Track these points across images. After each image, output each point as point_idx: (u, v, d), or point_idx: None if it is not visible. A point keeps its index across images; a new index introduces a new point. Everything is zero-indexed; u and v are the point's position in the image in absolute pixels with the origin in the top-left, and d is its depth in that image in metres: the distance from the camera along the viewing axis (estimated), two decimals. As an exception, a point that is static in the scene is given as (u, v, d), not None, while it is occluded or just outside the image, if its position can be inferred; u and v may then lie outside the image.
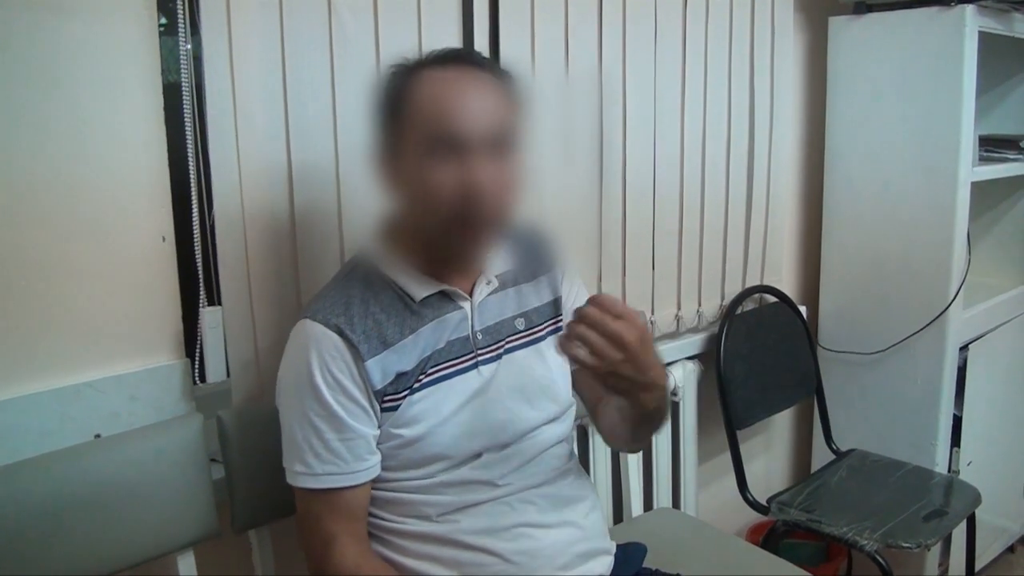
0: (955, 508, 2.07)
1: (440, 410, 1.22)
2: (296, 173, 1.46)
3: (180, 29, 1.38)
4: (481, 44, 1.67)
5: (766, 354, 2.30)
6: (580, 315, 1.06)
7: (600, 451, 2.00)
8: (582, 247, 1.93)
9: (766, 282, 2.39)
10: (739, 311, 2.27)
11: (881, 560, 1.90)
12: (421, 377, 1.21)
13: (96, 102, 1.29)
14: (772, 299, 2.40)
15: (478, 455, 1.24)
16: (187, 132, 1.40)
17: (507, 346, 1.30)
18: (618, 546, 1.42)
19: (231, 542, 1.44)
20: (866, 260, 2.43)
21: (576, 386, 1.42)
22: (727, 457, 2.19)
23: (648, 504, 2.14)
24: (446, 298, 1.26)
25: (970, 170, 2.24)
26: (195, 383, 1.48)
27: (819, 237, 2.55)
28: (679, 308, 2.19)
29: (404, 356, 1.20)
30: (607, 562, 1.35)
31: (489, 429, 1.25)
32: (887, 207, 2.36)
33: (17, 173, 1.24)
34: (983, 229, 2.73)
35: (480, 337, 1.28)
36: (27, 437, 1.27)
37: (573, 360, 1.07)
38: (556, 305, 1.40)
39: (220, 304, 1.43)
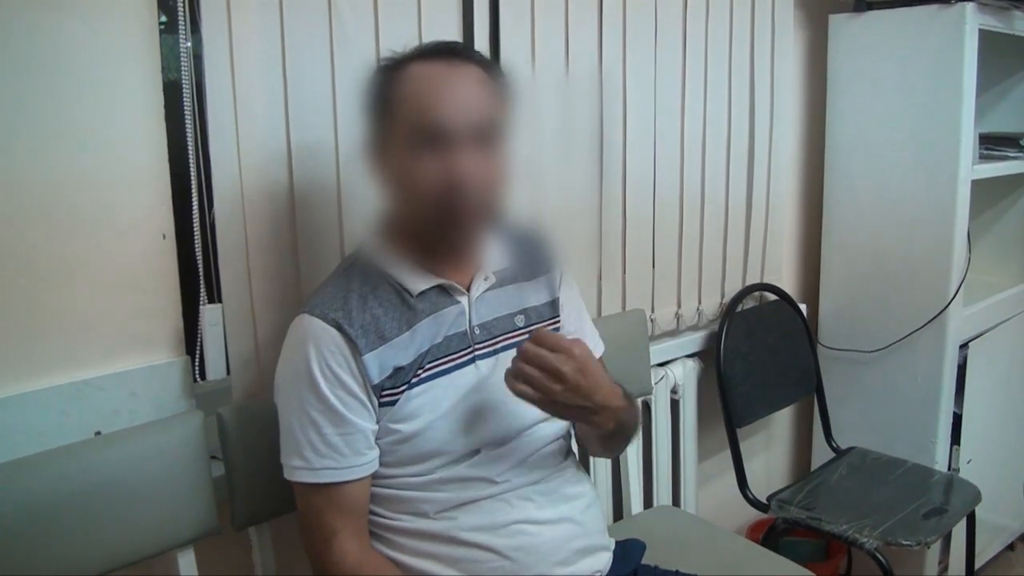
0: (955, 506, 2.07)
1: (438, 405, 1.22)
2: (296, 170, 1.46)
3: (180, 27, 1.38)
4: (481, 42, 1.67)
5: (766, 352, 2.30)
6: (519, 352, 1.13)
7: (600, 449, 2.00)
8: (582, 245, 1.93)
9: (766, 280, 2.39)
10: (739, 309, 2.27)
11: (881, 558, 1.90)
12: (419, 372, 1.22)
13: (96, 100, 1.29)
14: (772, 297, 2.40)
15: (476, 452, 1.24)
16: (187, 130, 1.40)
17: (505, 342, 1.31)
18: (617, 543, 1.42)
19: (231, 539, 1.44)
20: (866, 258, 2.43)
21: None
22: (727, 455, 2.19)
23: (648, 502, 2.14)
24: (444, 293, 1.26)
25: (970, 168, 2.24)
26: (195, 380, 1.48)
27: (819, 235, 2.55)
28: (679, 306, 2.19)
29: (402, 351, 1.20)
30: (605, 559, 1.36)
31: (487, 425, 1.25)
32: (887, 205, 2.36)
33: (17, 171, 1.24)
34: (983, 227, 2.73)
35: (478, 332, 1.28)
36: (27, 434, 1.27)
37: (517, 395, 1.14)
38: (554, 306, 1.41)
39: (220, 301, 1.44)
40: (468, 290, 1.28)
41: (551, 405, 1.16)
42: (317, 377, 1.16)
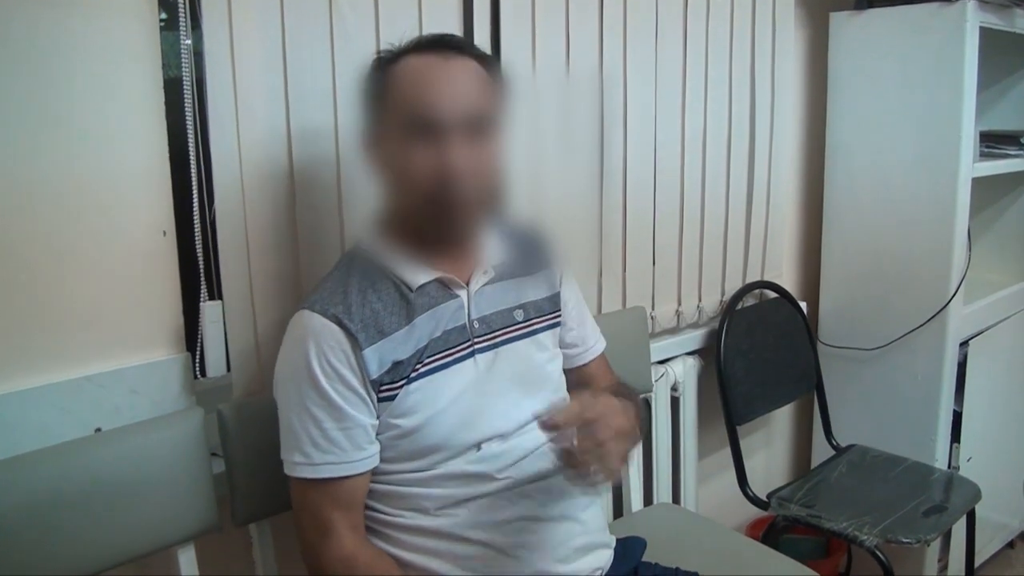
0: (955, 504, 2.07)
1: (437, 400, 1.22)
2: (297, 167, 1.46)
3: (181, 24, 1.38)
4: (482, 40, 1.67)
5: (766, 350, 2.30)
6: (567, 457, 1.09)
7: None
8: (583, 243, 1.93)
9: (766, 278, 2.39)
10: (739, 307, 2.27)
11: (881, 555, 1.90)
12: (418, 366, 1.22)
13: (96, 97, 1.29)
14: (772, 295, 2.40)
15: (477, 447, 1.24)
16: (188, 126, 1.40)
17: (505, 336, 1.31)
18: (617, 540, 1.42)
19: (232, 536, 1.44)
20: (866, 256, 2.43)
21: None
22: (727, 452, 2.19)
23: (648, 499, 2.14)
24: (442, 287, 1.26)
25: (971, 166, 2.24)
26: (196, 377, 1.48)
27: (819, 233, 2.55)
28: (679, 304, 2.19)
29: (401, 345, 1.20)
30: (606, 556, 1.36)
31: (487, 420, 1.25)
32: (888, 203, 2.36)
33: (18, 168, 1.24)
34: (984, 225, 2.73)
35: (477, 326, 1.28)
36: (27, 431, 1.27)
37: (614, 476, 1.12)
38: (554, 301, 1.41)
39: (221, 298, 1.44)
40: (467, 284, 1.28)
41: (623, 459, 1.13)
42: (317, 373, 1.16)
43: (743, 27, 2.17)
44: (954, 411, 2.39)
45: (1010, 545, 2.80)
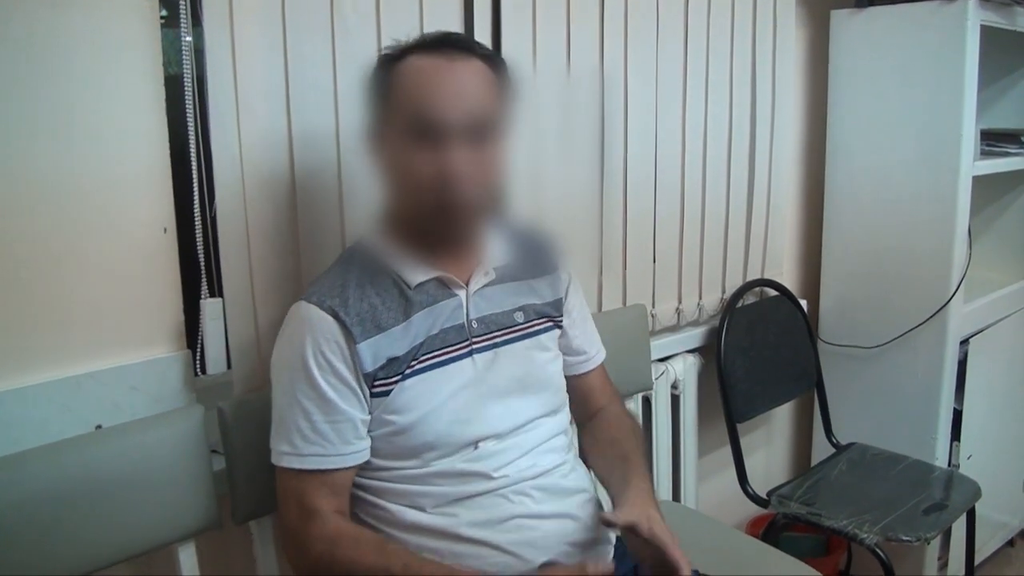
0: (955, 502, 2.07)
1: (433, 397, 1.22)
2: (298, 164, 1.46)
3: (182, 21, 1.38)
4: (482, 39, 1.67)
5: (767, 348, 2.30)
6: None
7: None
8: (583, 240, 1.93)
9: (767, 276, 2.39)
10: (740, 304, 2.27)
11: (881, 553, 1.90)
12: (413, 363, 1.22)
13: (97, 94, 1.29)
14: (773, 293, 2.40)
15: (474, 446, 1.24)
16: (188, 124, 1.40)
17: (505, 337, 1.31)
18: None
19: (232, 533, 1.44)
20: (867, 254, 2.43)
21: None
22: (727, 450, 2.19)
23: (648, 497, 2.14)
24: (441, 286, 1.26)
25: (971, 164, 2.24)
26: (196, 374, 1.48)
27: (820, 231, 2.55)
28: (680, 301, 2.19)
29: (397, 341, 1.21)
30: (606, 553, 1.36)
31: (484, 419, 1.25)
32: (888, 201, 2.36)
33: (17, 165, 1.24)
34: (984, 223, 2.72)
35: (475, 326, 1.28)
36: (28, 428, 1.27)
37: None
38: (558, 307, 1.41)
39: (221, 295, 1.44)
40: (467, 284, 1.28)
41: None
42: (310, 364, 1.17)
43: (744, 25, 2.17)
44: (954, 409, 2.39)
45: (1010, 543, 2.81)
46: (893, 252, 2.37)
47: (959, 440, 2.41)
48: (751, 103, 2.25)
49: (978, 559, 2.48)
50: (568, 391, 1.43)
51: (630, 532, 1.18)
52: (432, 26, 1.57)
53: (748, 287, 2.31)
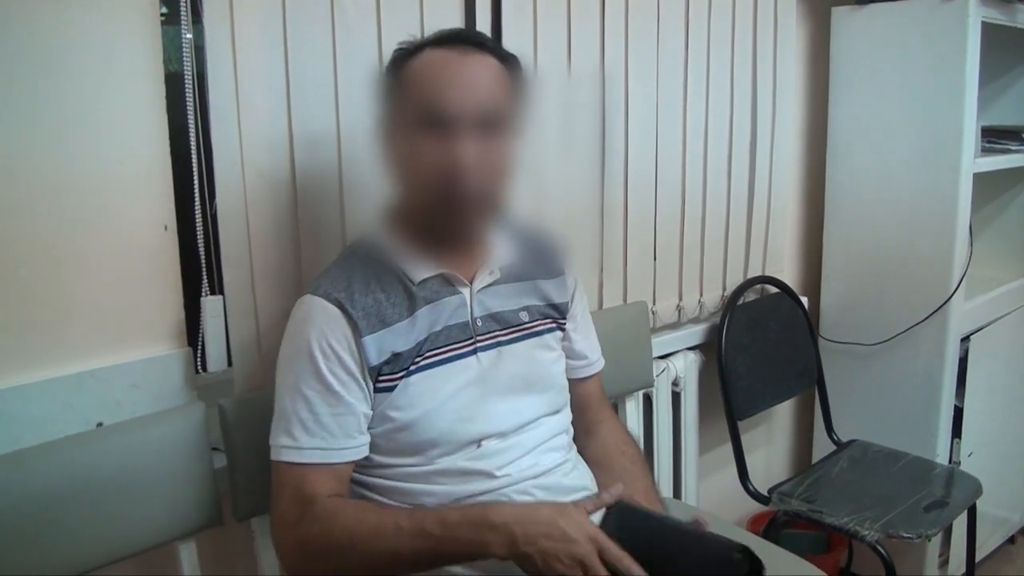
0: (956, 499, 2.07)
1: (436, 393, 1.22)
2: (299, 162, 1.46)
3: (182, 18, 1.38)
4: (483, 35, 1.67)
5: (767, 345, 2.30)
6: None
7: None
8: (584, 238, 1.93)
9: (768, 273, 2.39)
10: (741, 302, 2.27)
11: (882, 550, 1.90)
12: (417, 359, 1.22)
13: (97, 92, 1.29)
14: (774, 290, 2.40)
15: (477, 445, 1.24)
16: (189, 121, 1.40)
17: (509, 336, 1.31)
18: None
19: (233, 531, 1.44)
20: (868, 251, 2.43)
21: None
22: (728, 447, 2.19)
23: (649, 494, 2.14)
24: (445, 283, 1.27)
25: (972, 161, 2.24)
26: (197, 372, 1.48)
27: (821, 228, 2.55)
28: (681, 299, 2.19)
29: (401, 337, 1.21)
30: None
31: (487, 417, 1.25)
32: (889, 198, 2.36)
33: (18, 163, 1.23)
34: (985, 220, 2.72)
35: (480, 324, 1.28)
36: (29, 426, 1.27)
37: None
38: (562, 310, 1.41)
39: (222, 293, 1.44)
40: (471, 283, 1.28)
41: None
42: (316, 354, 1.16)
43: (745, 21, 2.17)
44: (955, 406, 2.39)
45: (1011, 540, 2.81)
46: (894, 249, 2.37)
47: (960, 437, 2.41)
48: (752, 100, 2.24)
49: (979, 556, 2.48)
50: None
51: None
52: (432, 22, 1.57)
53: (749, 284, 2.31)
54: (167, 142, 1.38)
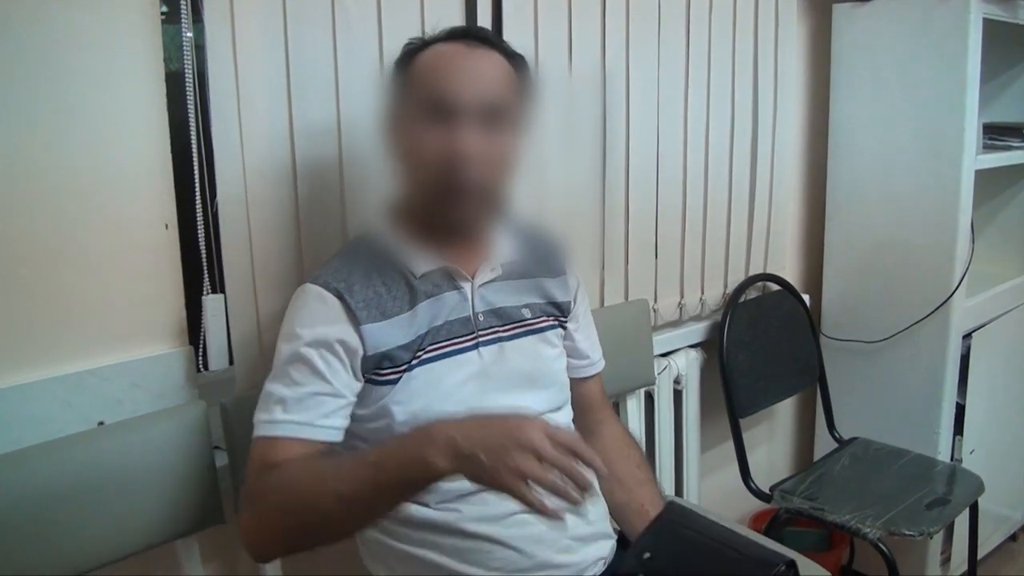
0: (958, 496, 2.07)
1: (438, 387, 1.22)
2: (299, 160, 1.46)
3: (182, 16, 1.38)
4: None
5: (769, 342, 2.30)
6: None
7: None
8: (585, 236, 1.93)
9: (769, 270, 2.39)
10: (742, 299, 2.27)
11: (884, 548, 1.90)
12: (419, 353, 1.22)
13: (98, 91, 1.29)
14: (775, 287, 2.39)
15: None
16: (190, 120, 1.40)
17: (511, 332, 1.31)
18: (620, 533, 1.42)
19: (235, 529, 1.43)
20: (869, 248, 2.43)
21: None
22: (730, 445, 2.20)
23: (651, 492, 2.14)
24: (447, 277, 1.27)
25: (974, 158, 2.23)
26: (198, 371, 1.48)
27: (822, 225, 2.54)
28: (682, 296, 2.19)
29: (402, 330, 1.21)
30: (609, 546, 1.36)
31: (490, 411, 1.25)
32: (891, 195, 2.35)
33: (19, 161, 1.23)
34: (987, 217, 2.72)
35: (481, 319, 1.28)
36: (30, 425, 1.27)
37: None
38: (565, 308, 1.42)
39: (223, 292, 1.44)
40: (472, 278, 1.28)
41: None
42: (306, 338, 1.16)
43: (746, 18, 2.17)
44: (957, 404, 2.39)
45: (1012, 538, 2.81)
46: (895, 246, 2.37)
47: (962, 435, 2.41)
48: (753, 96, 2.24)
49: (981, 553, 2.47)
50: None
51: None
52: (433, 21, 1.57)
53: (750, 282, 2.31)
54: (168, 141, 1.37)
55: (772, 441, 2.71)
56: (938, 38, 2.20)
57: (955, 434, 2.41)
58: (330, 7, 1.46)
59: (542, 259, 1.41)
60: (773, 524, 2.10)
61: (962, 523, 2.33)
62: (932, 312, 2.30)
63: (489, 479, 0.96)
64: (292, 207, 1.47)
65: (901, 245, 2.35)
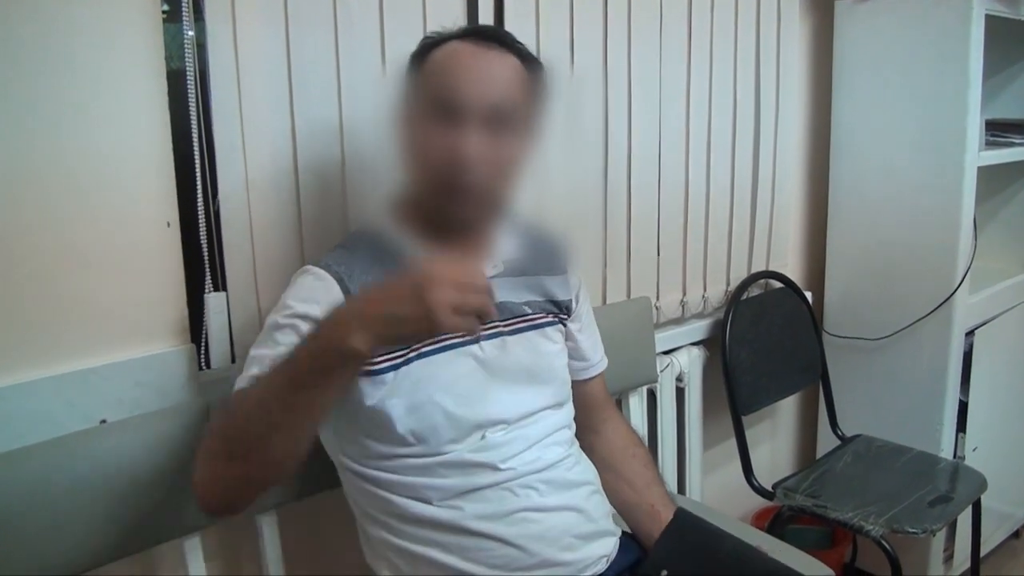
0: (960, 494, 2.07)
1: (437, 379, 1.22)
2: (301, 158, 1.46)
3: (183, 15, 1.38)
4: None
5: (771, 340, 2.30)
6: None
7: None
8: (587, 233, 1.93)
9: (772, 268, 2.39)
10: (744, 297, 2.27)
11: (886, 545, 1.90)
12: (419, 346, 1.22)
13: (99, 89, 1.29)
14: (778, 285, 2.39)
15: (480, 436, 1.24)
16: (191, 118, 1.40)
17: (512, 327, 1.31)
18: (623, 531, 1.42)
19: (238, 527, 1.44)
20: (872, 245, 2.42)
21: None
22: (732, 443, 2.20)
23: (653, 490, 2.14)
24: None
25: (976, 154, 2.23)
26: (200, 369, 1.47)
27: (825, 223, 2.54)
28: (684, 294, 2.19)
29: None
30: (611, 544, 1.35)
31: (490, 405, 1.25)
32: (893, 192, 2.35)
33: (20, 160, 1.23)
34: (989, 214, 2.72)
35: None
36: (32, 423, 1.27)
37: None
38: (567, 307, 1.42)
39: (225, 290, 1.44)
40: (474, 273, 1.29)
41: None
42: (297, 308, 1.15)
43: (748, 16, 2.16)
44: (960, 401, 2.39)
45: (1015, 535, 2.81)
46: (898, 243, 2.36)
47: (964, 432, 2.41)
48: (755, 95, 2.24)
49: (984, 551, 2.48)
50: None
51: None
52: (434, 20, 1.57)
53: (753, 279, 2.31)
54: (169, 139, 1.37)
55: (775, 438, 2.71)
56: (940, 35, 2.20)
57: (958, 431, 2.41)
58: (331, 5, 1.46)
59: (544, 258, 1.41)
60: (776, 521, 2.10)
61: (965, 520, 2.33)
62: (935, 309, 2.30)
63: (414, 328, 0.95)
64: (294, 205, 1.47)
65: (903, 242, 2.35)
